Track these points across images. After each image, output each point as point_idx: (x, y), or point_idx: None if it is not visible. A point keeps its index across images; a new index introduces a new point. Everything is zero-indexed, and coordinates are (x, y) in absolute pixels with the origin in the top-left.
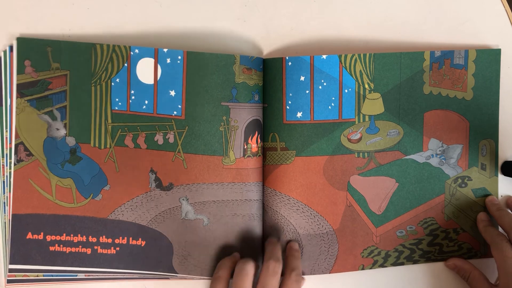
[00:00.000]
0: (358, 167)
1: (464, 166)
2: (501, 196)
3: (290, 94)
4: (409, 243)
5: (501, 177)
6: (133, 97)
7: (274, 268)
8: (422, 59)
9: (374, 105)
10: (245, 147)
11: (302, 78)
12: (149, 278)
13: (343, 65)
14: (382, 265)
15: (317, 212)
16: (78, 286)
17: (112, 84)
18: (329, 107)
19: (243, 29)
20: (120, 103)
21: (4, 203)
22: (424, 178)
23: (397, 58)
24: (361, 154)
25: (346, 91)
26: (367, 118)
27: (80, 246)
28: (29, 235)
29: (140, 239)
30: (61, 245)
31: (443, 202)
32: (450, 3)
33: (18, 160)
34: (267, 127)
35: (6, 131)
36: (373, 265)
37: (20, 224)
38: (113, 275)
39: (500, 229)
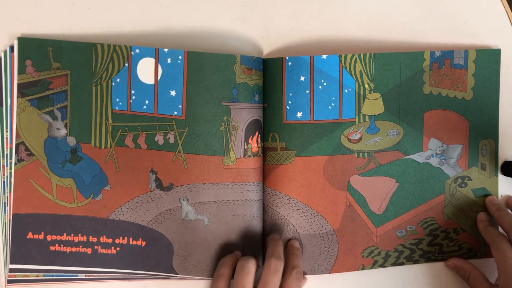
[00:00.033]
0: (358, 167)
1: (464, 166)
2: (501, 196)
3: (290, 94)
4: (409, 243)
5: (501, 177)
6: (133, 97)
7: (276, 266)
8: (422, 59)
9: (374, 105)
10: (245, 147)
11: (302, 78)
12: (149, 278)
13: (343, 65)
14: (382, 265)
15: (317, 212)
16: (79, 286)
17: (113, 84)
18: (329, 107)
19: (243, 29)
20: (120, 103)
21: (5, 203)
22: (424, 178)
23: (397, 58)
24: (361, 154)
25: (346, 91)
26: (367, 118)
27: (81, 246)
28: (30, 235)
29: (140, 239)
30: (62, 245)
31: (443, 202)
32: (450, 3)
33: (19, 160)
34: (267, 127)
35: (7, 131)
36: (373, 265)
37: (20, 223)
38: (113, 275)
39: (500, 229)
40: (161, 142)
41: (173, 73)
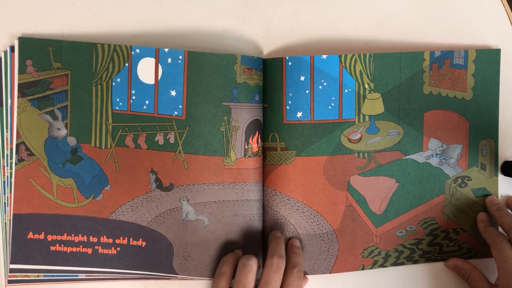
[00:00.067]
0: (358, 167)
1: (464, 166)
2: (501, 196)
3: (290, 94)
4: (409, 243)
5: (501, 177)
6: (133, 97)
7: (277, 265)
8: (422, 59)
9: (374, 105)
10: (245, 147)
11: (302, 78)
12: (149, 278)
13: (343, 65)
14: (382, 265)
15: (317, 212)
16: (79, 286)
17: (113, 84)
18: (329, 107)
19: (243, 29)
20: (121, 103)
21: (5, 203)
22: (424, 178)
23: (397, 58)
24: (361, 154)
25: (346, 91)
26: (367, 118)
27: (81, 246)
28: (30, 235)
29: (140, 239)
30: (62, 245)
31: (443, 202)
32: (450, 3)
33: (19, 160)
34: (267, 127)
35: (7, 131)
36: (373, 265)
37: (21, 223)
38: (114, 275)
39: (500, 229)
40: (161, 142)
41: (173, 73)
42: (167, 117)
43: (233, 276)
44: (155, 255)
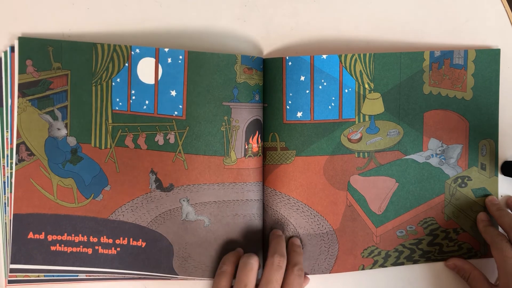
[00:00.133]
0: (358, 167)
1: (464, 166)
2: (501, 196)
3: (290, 94)
4: (409, 243)
5: (501, 177)
6: (133, 97)
7: (278, 263)
8: (422, 59)
9: (374, 105)
10: (246, 147)
11: (302, 78)
12: (149, 278)
13: (343, 65)
14: (382, 265)
15: (317, 212)
16: (79, 286)
17: (113, 84)
18: (329, 107)
19: (243, 29)
20: (120, 103)
21: (5, 203)
22: (424, 178)
23: (397, 58)
24: (361, 154)
25: (346, 91)
26: (367, 118)
27: (81, 246)
28: (30, 235)
29: (140, 240)
30: (62, 245)
31: (443, 202)
32: (450, 3)
33: (20, 160)
34: (267, 127)
35: (7, 131)
36: (373, 265)
37: (21, 223)
38: (114, 276)
39: (500, 229)
40: (161, 142)
41: (173, 73)
42: (167, 117)
43: (234, 275)
44: (155, 256)
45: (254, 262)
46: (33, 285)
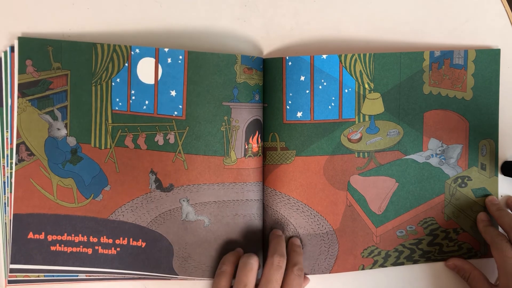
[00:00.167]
0: (358, 167)
1: (464, 166)
2: (501, 196)
3: (290, 94)
4: (409, 243)
5: (501, 177)
6: (133, 97)
7: (278, 263)
8: (421, 59)
9: (374, 105)
10: (246, 147)
11: (302, 78)
12: (149, 278)
13: (343, 65)
14: (382, 265)
15: (317, 212)
16: (79, 286)
17: (113, 84)
18: (329, 107)
19: (243, 29)
20: (120, 103)
21: (5, 203)
22: (424, 178)
23: (397, 58)
24: (361, 154)
25: (346, 91)
26: (367, 118)
27: (81, 246)
28: (30, 235)
29: (140, 240)
30: (62, 245)
31: (443, 202)
32: (450, 3)
33: (20, 160)
34: (267, 127)
35: (7, 131)
36: (373, 265)
37: (21, 223)
38: (114, 276)
39: (500, 229)
40: (161, 142)
41: (173, 73)
42: (167, 117)
43: (234, 275)
44: (155, 256)
45: (254, 262)
46: (33, 285)
